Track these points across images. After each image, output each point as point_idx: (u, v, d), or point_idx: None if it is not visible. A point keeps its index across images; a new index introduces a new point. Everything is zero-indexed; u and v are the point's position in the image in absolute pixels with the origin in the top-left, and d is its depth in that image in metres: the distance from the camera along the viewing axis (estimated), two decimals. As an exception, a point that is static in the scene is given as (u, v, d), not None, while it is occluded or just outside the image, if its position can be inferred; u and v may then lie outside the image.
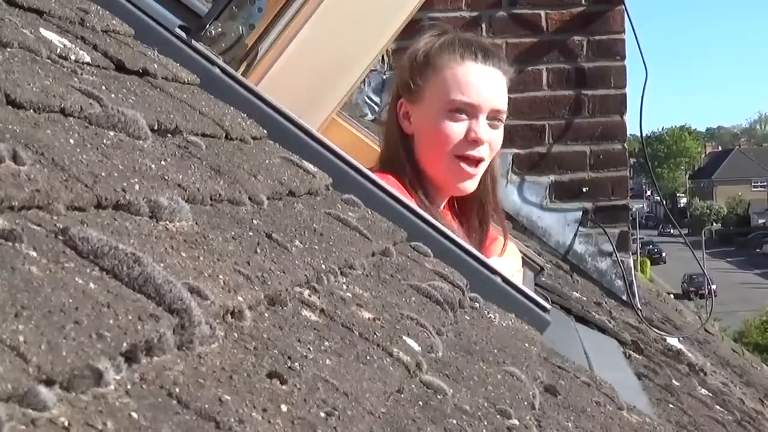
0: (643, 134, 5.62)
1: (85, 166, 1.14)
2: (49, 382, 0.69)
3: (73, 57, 1.61)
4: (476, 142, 2.74)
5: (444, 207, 2.87)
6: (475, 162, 2.77)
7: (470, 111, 2.74)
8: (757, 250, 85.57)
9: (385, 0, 3.08)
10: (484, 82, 2.76)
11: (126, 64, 1.79)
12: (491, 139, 2.78)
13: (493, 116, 2.78)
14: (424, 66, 2.78)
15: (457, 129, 2.73)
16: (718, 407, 3.64)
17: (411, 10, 3.07)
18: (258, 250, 1.31)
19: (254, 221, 1.46)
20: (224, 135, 1.85)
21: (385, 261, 1.84)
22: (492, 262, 2.36)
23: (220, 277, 1.10)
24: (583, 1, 5.40)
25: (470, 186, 2.81)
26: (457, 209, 2.93)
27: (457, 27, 5.21)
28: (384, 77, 5.30)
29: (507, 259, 2.87)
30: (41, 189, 0.99)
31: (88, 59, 1.66)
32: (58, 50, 1.58)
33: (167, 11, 2.23)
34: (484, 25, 5.39)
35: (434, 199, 2.80)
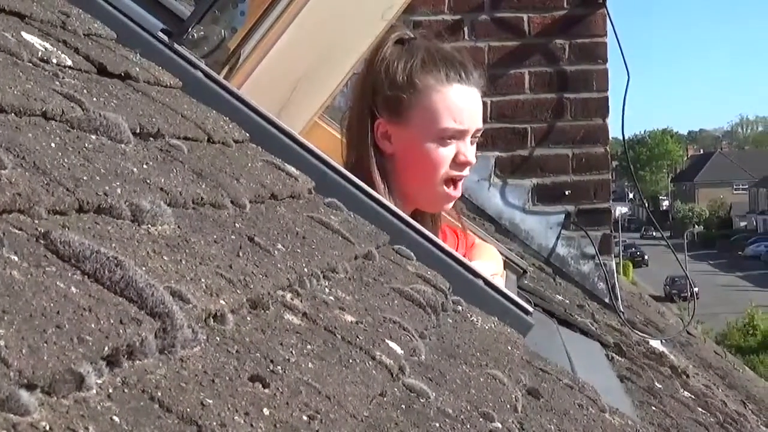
0: (625, 137, 5.64)
1: (66, 170, 1.14)
2: (30, 387, 0.69)
3: (54, 60, 1.61)
4: (465, 165, 2.75)
5: None
6: (459, 183, 2.78)
7: (459, 135, 2.74)
8: (739, 253, 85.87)
9: (367, 4, 3.08)
10: (471, 105, 2.76)
11: (108, 67, 1.79)
12: (473, 157, 2.80)
13: (475, 135, 2.79)
14: (407, 87, 2.73)
15: (446, 153, 2.73)
16: (700, 409, 3.65)
17: (394, 14, 3.07)
18: (240, 254, 1.31)
19: (236, 225, 1.46)
20: (206, 138, 1.85)
21: (367, 264, 1.84)
22: (474, 265, 2.36)
23: (202, 280, 1.10)
24: (565, 5, 5.41)
25: (451, 204, 2.84)
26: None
27: (439, 30, 5.21)
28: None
29: (489, 263, 2.87)
30: (22, 193, 0.99)
31: (69, 63, 1.65)
32: (40, 53, 1.57)
33: (149, 15, 2.22)
34: (466, 29, 5.40)
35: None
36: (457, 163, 2.75)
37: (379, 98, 2.77)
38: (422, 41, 2.86)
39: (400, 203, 2.78)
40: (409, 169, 2.77)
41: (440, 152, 2.73)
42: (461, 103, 2.74)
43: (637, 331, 5.11)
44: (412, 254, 2.16)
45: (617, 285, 5.58)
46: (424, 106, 2.73)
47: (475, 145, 2.82)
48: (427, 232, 2.32)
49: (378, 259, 1.91)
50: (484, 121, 5.04)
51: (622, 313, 5.31)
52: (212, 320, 1.05)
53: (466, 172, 2.78)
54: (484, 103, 5.25)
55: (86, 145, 1.31)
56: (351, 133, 2.88)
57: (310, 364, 1.10)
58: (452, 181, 2.77)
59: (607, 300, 5.43)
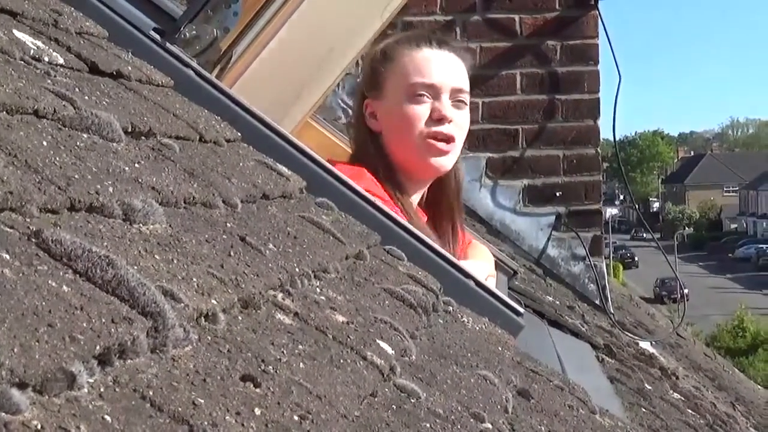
0: (616, 139, 5.64)
1: (58, 168, 1.14)
2: (22, 385, 0.69)
3: (46, 58, 1.60)
4: (442, 120, 2.74)
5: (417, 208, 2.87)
6: (446, 139, 2.76)
7: (432, 92, 2.75)
8: (729, 255, 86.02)
9: (360, 4, 3.08)
10: (442, 64, 2.80)
11: (100, 66, 1.78)
12: (457, 118, 2.79)
13: (456, 96, 2.79)
14: (383, 61, 2.82)
15: (421, 110, 2.74)
16: (690, 411, 3.66)
17: (388, 16, 3.07)
18: (232, 253, 1.31)
19: (228, 224, 1.46)
20: (198, 138, 1.85)
21: (358, 264, 1.84)
22: (465, 265, 2.36)
23: (194, 280, 1.10)
24: (557, 6, 5.42)
25: (445, 163, 2.80)
26: (430, 215, 2.92)
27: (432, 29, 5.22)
28: (358, 80, 5.31)
29: (480, 263, 2.87)
30: (14, 191, 0.98)
31: (61, 61, 1.65)
32: (32, 52, 1.57)
33: (141, 13, 2.22)
34: (458, 29, 5.40)
35: (408, 193, 2.80)
36: (434, 120, 2.75)
37: (364, 80, 2.85)
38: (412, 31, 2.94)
39: (405, 180, 2.79)
40: (392, 136, 2.80)
41: (413, 109, 2.75)
42: (429, 61, 2.79)
43: (627, 333, 5.12)
44: (403, 254, 2.16)
45: (607, 286, 5.59)
46: (394, 72, 2.80)
47: (465, 110, 2.82)
48: (418, 233, 2.32)
49: (369, 259, 1.91)
50: (476, 121, 5.01)
51: (612, 314, 5.32)
52: (204, 320, 1.05)
53: (448, 129, 2.76)
54: (475, 104, 5.26)
55: (78, 143, 1.31)
56: (352, 124, 2.94)
57: (301, 364, 1.10)
58: (436, 137, 2.76)
59: (597, 301, 5.44)
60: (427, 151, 2.76)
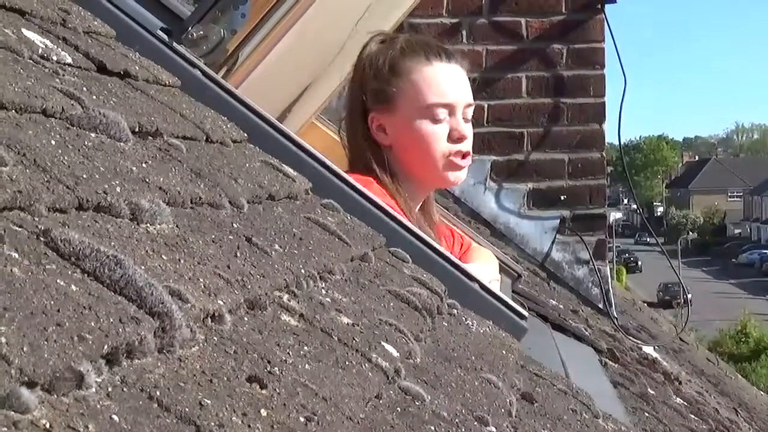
0: (621, 143, 5.64)
1: (66, 168, 1.14)
2: (31, 384, 0.69)
3: (54, 58, 1.61)
4: (461, 139, 2.76)
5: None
6: (465, 155, 2.78)
7: (449, 110, 2.75)
8: (733, 260, 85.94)
9: (368, 7, 3.09)
10: (455, 80, 2.78)
11: (107, 65, 1.79)
12: (469, 132, 2.81)
13: (466, 112, 2.80)
14: (390, 75, 2.76)
15: (440, 130, 2.74)
16: (692, 416, 3.66)
17: (396, 20, 3.08)
18: (238, 254, 1.31)
19: (234, 225, 1.46)
20: (205, 138, 1.85)
21: (363, 266, 1.84)
22: (470, 268, 2.37)
23: (201, 280, 1.10)
24: (563, 10, 5.42)
25: (463, 176, 2.84)
26: None
27: (436, 33, 5.23)
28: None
29: (485, 266, 2.87)
30: (23, 190, 0.99)
31: (69, 60, 1.66)
32: (40, 51, 1.57)
33: (149, 13, 2.23)
34: (464, 32, 5.40)
35: (415, 201, 2.81)
36: (453, 139, 2.76)
37: (368, 93, 2.80)
38: (403, 35, 2.90)
39: (414, 190, 2.80)
40: (408, 153, 2.78)
41: (433, 129, 2.74)
42: (443, 78, 2.76)
43: (630, 337, 5.12)
44: (408, 256, 2.17)
45: (611, 290, 5.59)
46: (407, 89, 2.75)
47: (470, 124, 2.83)
48: (423, 235, 2.32)
49: (374, 261, 1.91)
50: (481, 124, 5.03)
51: (616, 318, 5.32)
52: (210, 320, 1.06)
53: (465, 146, 2.78)
54: (481, 107, 5.26)
55: (86, 143, 1.31)
56: (349, 136, 2.89)
57: (306, 366, 1.11)
58: (456, 155, 2.77)
59: (600, 305, 5.44)
60: (448, 168, 2.77)
